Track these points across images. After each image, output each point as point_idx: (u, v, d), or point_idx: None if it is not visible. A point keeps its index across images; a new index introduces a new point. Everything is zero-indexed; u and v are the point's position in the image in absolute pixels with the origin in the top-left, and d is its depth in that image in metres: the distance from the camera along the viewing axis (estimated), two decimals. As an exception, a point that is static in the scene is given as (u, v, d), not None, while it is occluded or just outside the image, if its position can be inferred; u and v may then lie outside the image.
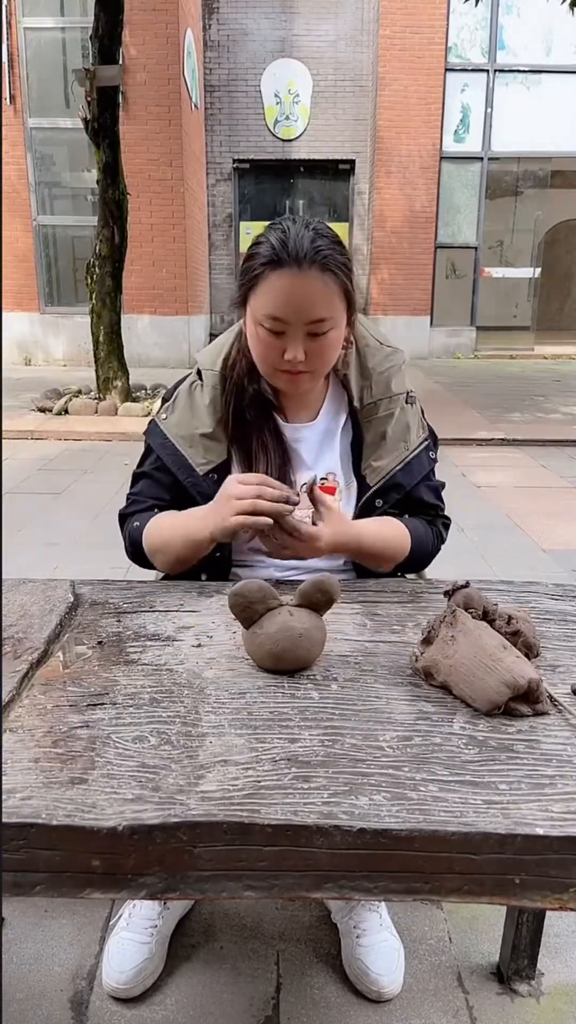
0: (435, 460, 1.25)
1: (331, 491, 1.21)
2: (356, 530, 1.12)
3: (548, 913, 1.22)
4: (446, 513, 1.29)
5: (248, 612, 0.84)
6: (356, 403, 1.20)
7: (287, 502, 0.99)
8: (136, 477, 1.25)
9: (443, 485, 1.29)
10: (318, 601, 0.86)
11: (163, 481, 1.20)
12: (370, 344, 1.22)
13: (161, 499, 1.21)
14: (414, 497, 1.22)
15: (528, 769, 0.67)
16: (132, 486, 1.26)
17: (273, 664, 0.84)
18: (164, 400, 1.25)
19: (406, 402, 1.21)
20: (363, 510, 1.19)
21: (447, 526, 1.29)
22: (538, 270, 11.48)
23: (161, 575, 1.25)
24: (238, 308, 1.13)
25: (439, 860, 0.60)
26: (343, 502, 1.21)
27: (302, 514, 1.03)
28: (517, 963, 1.20)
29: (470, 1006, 1.17)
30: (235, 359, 1.19)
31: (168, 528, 1.14)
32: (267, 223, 1.11)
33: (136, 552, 1.19)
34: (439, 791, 0.64)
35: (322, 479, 1.22)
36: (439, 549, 1.27)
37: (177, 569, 1.15)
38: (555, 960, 1.26)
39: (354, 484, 1.22)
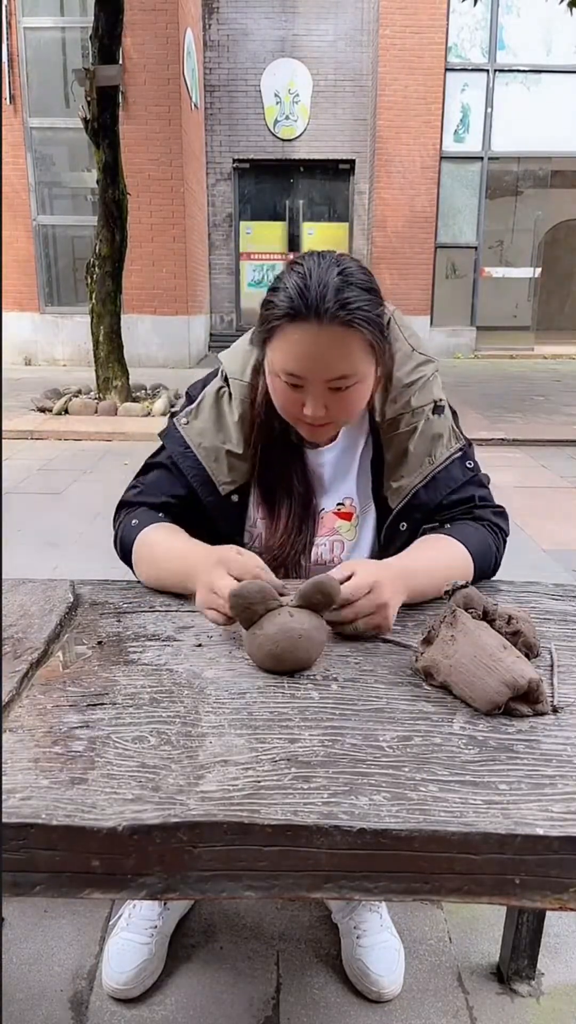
0: (472, 472, 1.12)
1: (348, 517, 1.14)
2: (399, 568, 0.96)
3: (548, 913, 1.22)
4: (501, 507, 1.16)
5: (248, 613, 0.84)
6: (378, 417, 1.09)
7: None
8: (148, 467, 1.15)
9: (488, 479, 1.16)
10: (318, 602, 0.86)
11: (181, 481, 1.11)
12: (402, 350, 1.09)
13: (176, 496, 1.11)
14: (462, 500, 1.10)
15: (528, 769, 0.67)
16: (141, 473, 1.15)
17: (273, 665, 0.84)
18: (189, 399, 1.14)
19: (433, 412, 1.09)
20: (388, 536, 1.10)
21: (500, 514, 1.14)
22: (538, 270, 11.47)
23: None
24: (258, 347, 1.04)
25: (439, 860, 0.60)
26: (362, 527, 1.14)
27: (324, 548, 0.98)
28: (517, 963, 1.20)
29: (470, 1006, 1.17)
30: (260, 389, 1.08)
31: (162, 555, 1.04)
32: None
33: (123, 553, 1.11)
34: (439, 791, 0.64)
35: (339, 504, 1.14)
36: (504, 545, 1.14)
37: (153, 587, 1.07)
38: (555, 960, 1.26)
39: (372, 508, 1.13)
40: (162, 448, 1.15)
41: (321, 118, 10.94)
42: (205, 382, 1.15)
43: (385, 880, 0.60)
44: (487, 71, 10.30)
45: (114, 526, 1.14)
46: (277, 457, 1.10)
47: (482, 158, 10.64)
